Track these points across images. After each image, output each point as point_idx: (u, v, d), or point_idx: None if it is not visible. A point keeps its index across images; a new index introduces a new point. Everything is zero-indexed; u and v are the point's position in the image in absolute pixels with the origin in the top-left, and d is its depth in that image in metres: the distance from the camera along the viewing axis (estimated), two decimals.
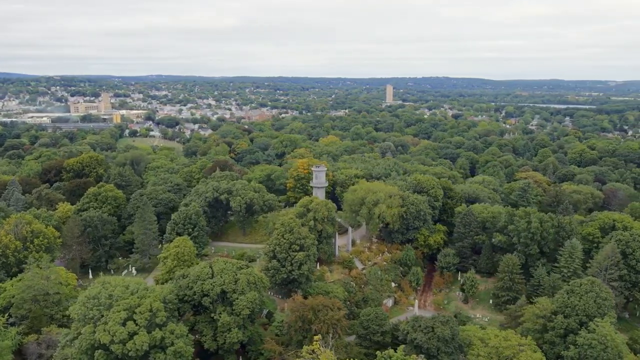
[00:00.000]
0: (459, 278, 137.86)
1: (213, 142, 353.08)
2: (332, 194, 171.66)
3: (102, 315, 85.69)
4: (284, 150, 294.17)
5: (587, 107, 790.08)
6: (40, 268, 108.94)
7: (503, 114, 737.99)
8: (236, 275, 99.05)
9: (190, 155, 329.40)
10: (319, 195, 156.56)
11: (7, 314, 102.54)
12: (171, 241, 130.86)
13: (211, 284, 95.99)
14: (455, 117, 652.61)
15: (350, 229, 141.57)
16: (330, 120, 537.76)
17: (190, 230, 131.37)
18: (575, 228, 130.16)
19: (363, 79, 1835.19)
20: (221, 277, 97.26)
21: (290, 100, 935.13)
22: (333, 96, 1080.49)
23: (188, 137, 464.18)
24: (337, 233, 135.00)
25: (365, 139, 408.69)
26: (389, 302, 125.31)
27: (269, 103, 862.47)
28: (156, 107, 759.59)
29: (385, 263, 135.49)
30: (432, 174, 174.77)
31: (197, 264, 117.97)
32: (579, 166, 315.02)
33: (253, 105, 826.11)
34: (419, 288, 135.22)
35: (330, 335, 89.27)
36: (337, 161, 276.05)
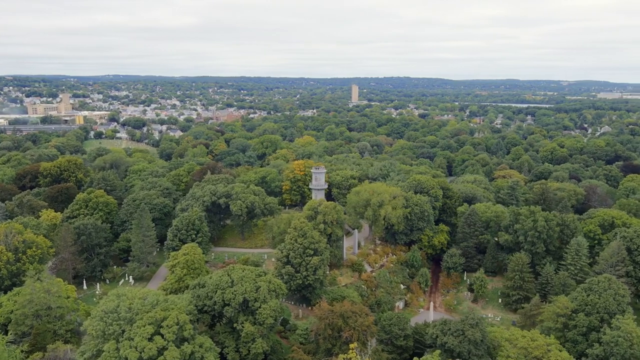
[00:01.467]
0: (465, 278, 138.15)
1: (187, 143, 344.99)
2: (329, 196, 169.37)
3: (124, 331, 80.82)
4: (265, 152, 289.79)
5: (546, 106, 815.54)
6: (41, 280, 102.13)
7: (467, 113, 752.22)
8: (256, 282, 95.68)
9: (166, 157, 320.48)
10: (319, 197, 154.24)
11: (4, 332, 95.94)
12: (174, 248, 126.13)
13: (232, 293, 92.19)
14: (422, 116, 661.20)
15: (356, 231, 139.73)
16: (301, 121, 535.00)
17: (193, 236, 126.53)
18: (578, 226, 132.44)
19: (326, 79, 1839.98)
20: (242, 285, 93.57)
21: (256, 100, 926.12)
22: (298, 96, 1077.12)
23: (157, 138, 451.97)
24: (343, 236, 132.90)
25: (340, 139, 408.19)
26: (400, 305, 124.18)
27: (235, 103, 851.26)
28: (118, 108, 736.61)
29: (392, 265, 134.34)
30: (416, 174, 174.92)
31: (207, 271, 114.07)
32: (550, 164, 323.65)
33: (219, 105, 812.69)
34: (426, 289, 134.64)
35: (364, 342, 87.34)
36: (322, 162, 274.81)
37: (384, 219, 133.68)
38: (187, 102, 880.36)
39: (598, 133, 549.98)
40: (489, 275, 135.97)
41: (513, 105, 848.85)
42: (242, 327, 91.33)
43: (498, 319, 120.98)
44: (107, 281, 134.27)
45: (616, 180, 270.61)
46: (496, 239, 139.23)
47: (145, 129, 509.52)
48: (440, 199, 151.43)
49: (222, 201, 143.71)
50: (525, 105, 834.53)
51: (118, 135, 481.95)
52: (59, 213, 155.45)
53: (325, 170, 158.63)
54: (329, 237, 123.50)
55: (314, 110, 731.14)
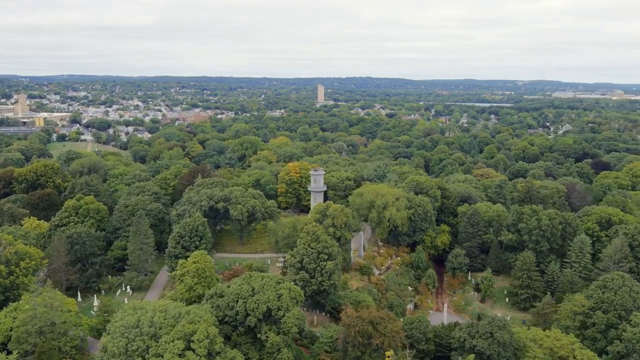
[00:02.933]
0: (470, 278, 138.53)
1: (159, 145, 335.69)
2: (324, 198, 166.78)
3: (148, 347, 76.35)
4: (244, 153, 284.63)
5: (508, 105, 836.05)
6: (43, 294, 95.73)
7: (433, 112, 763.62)
8: (277, 290, 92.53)
9: (139, 160, 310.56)
10: (318, 199, 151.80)
11: (5, 351, 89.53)
12: (176, 256, 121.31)
13: (255, 302, 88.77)
14: (390, 116, 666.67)
15: (362, 233, 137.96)
16: (273, 121, 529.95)
17: (197, 242, 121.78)
18: (579, 224, 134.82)
19: (289, 79, 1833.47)
20: (264, 293, 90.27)
21: (222, 101, 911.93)
22: (263, 96, 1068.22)
23: (125, 140, 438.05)
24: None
25: (315, 139, 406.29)
26: (410, 307, 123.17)
27: (200, 104, 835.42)
28: (79, 109, 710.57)
29: (397, 267, 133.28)
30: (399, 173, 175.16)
31: (217, 280, 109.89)
32: (523, 161, 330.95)
33: (184, 106, 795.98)
34: (433, 291, 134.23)
35: (395, 348, 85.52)
36: (305, 163, 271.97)
37: (388, 220, 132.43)
38: (150, 102, 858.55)
39: (560, 131, 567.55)
40: (493, 274, 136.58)
41: (476, 104, 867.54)
42: (267, 337, 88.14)
43: (508, 319, 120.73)
44: (103, 292, 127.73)
45: (588, 177, 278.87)
46: (499, 239, 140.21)
47: (111, 130, 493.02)
48: (439, 199, 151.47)
49: (220, 205, 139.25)
50: (487, 105, 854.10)
51: (83, 137, 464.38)
52: (42, 221, 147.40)
53: (324, 172, 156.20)
54: (337, 241, 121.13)
55: (282, 111, 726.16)
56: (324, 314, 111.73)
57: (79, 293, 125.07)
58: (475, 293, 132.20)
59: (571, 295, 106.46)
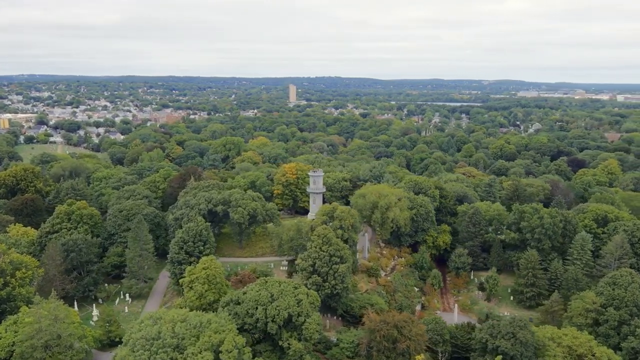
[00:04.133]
0: (472, 277, 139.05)
1: (136, 146, 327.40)
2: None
3: (173, 359, 73.07)
4: (228, 154, 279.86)
5: (477, 104, 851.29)
6: (48, 305, 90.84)
7: (405, 112, 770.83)
8: (296, 295, 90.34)
9: (116, 162, 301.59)
10: (317, 201, 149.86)
11: None
12: (180, 262, 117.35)
13: (275, 308, 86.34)
14: (364, 115, 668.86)
15: (366, 235, 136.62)
16: (248, 121, 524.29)
17: (201, 247, 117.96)
18: (578, 221, 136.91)
19: (258, 79, 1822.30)
20: (284, 299, 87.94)
21: (192, 101, 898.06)
22: (233, 96, 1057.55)
23: (98, 142, 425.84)
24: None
25: (294, 139, 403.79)
26: (418, 308, 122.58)
27: (170, 104, 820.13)
28: (44, 110, 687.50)
29: (402, 268, 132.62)
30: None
31: (228, 286, 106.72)
32: (501, 160, 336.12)
33: (154, 106, 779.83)
34: (438, 291, 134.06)
35: (419, 351, 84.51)
36: (286, 162, 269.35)
37: (391, 221, 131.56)
38: (118, 103, 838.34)
39: (530, 130, 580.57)
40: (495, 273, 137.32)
41: (447, 104, 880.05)
42: (289, 344, 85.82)
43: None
44: (100, 301, 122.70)
45: (566, 174, 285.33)
46: (500, 237, 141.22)
47: (82, 132, 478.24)
48: (438, 199, 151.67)
49: (219, 209, 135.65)
50: (458, 104, 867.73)
51: (52, 139, 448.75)
52: (29, 228, 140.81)
53: (323, 173, 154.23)
54: (345, 243, 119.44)
55: (255, 111, 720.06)
56: (335, 317, 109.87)
57: (75, 303, 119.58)
58: (480, 292, 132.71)
59: (581, 293, 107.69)
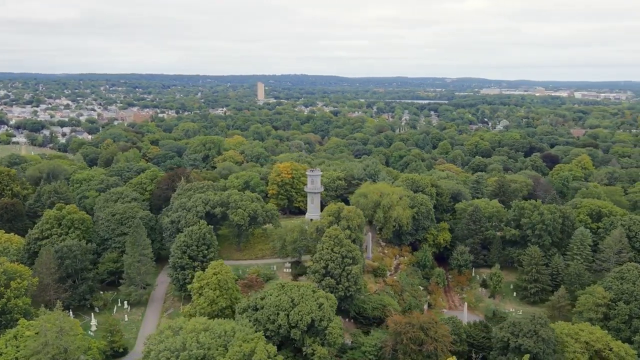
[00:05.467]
0: (473, 274, 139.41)
1: (107, 146, 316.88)
2: None
3: None
4: (208, 153, 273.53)
5: (446, 102, 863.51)
6: (53, 317, 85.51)
7: (375, 109, 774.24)
8: (317, 299, 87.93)
9: (89, 163, 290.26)
10: (315, 201, 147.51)
11: None
12: (183, 267, 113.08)
13: (298, 314, 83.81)
14: (335, 113, 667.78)
15: (369, 234, 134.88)
16: (220, 120, 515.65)
17: (205, 251, 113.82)
18: (575, 217, 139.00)
19: (223, 77, 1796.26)
20: (305, 304, 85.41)
21: (158, 99, 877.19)
22: (199, 94, 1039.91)
23: (65, 142, 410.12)
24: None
25: (270, 138, 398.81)
26: (425, 307, 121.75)
27: (136, 102, 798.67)
28: (2, 109, 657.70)
29: (405, 267, 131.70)
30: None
31: (238, 291, 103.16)
32: (477, 156, 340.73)
33: (120, 104, 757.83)
34: (442, 289, 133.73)
35: (438, 352, 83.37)
36: (268, 162, 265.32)
37: (394, 220, 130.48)
38: (81, 101, 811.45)
39: (498, 126, 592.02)
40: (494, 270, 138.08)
41: (415, 101, 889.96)
42: (313, 350, 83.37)
43: (520, 313, 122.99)
44: (97, 309, 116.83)
45: (541, 170, 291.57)
46: (500, 234, 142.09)
47: (47, 132, 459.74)
48: (434, 196, 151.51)
49: (217, 210, 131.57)
50: (426, 102, 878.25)
51: (14, 139, 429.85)
52: (12, 234, 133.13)
53: (322, 173, 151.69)
54: (353, 243, 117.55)
55: (224, 109, 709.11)
56: (347, 320, 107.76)
57: (71, 312, 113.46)
58: (483, 289, 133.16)
59: (589, 288, 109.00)
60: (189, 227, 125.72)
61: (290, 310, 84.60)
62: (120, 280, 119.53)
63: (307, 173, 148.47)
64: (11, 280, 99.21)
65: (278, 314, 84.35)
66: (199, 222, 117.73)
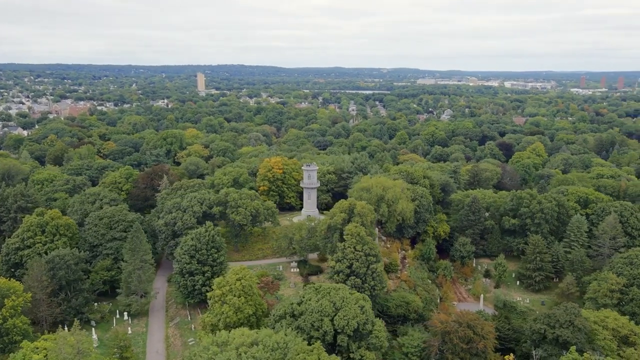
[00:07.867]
0: (475, 265, 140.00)
1: (52, 142, 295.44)
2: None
3: None
4: (170, 148, 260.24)
5: (386, 92, 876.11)
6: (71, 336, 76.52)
7: (321, 100, 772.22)
8: (357, 302, 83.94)
9: (41, 161, 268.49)
10: (312, 197, 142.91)
11: None
12: (192, 273, 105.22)
13: (343, 319, 79.46)
14: (282, 104, 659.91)
15: (376, 229, 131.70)
16: (168, 112, 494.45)
17: (215, 255, 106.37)
18: (569, 205, 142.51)
19: (157, 67, 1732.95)
20: (348, 308, 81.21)
21: (91, 91, 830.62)
22: (134, 85, 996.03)
23: None
24: None
25: (223, 130, 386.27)
26: (437, 301, 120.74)
27: (68, 94, 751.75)
28: None
29: (410, 261, 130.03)
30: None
31: (260, 296, 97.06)
32: (433, 146, 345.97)
33: (51, 97, 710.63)
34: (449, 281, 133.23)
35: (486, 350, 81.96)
36: (235, 155, 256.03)
37: (399, 214, 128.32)
38: (5, 94, 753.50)
39: (443, 116, 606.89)
40: (493, 259, 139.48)
41: (359, 92, 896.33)
42: (361, 356, 79.41)
43: (527, 302, 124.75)
44: (94, 323, 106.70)
45: (499, 158, 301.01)
46: (498, 224, 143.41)
47: None
48: (429, 188, 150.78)
49: (215, 210, 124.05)
50: (369, 92, 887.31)
51: None
52: None
53: (317, 167, 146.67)
54: None
55: (166, 100, 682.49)
56: None
57: (65, 327, 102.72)
58: (487, 279, 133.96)
59: (601, 274, 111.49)
60: (187, 229, 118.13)
61: (334, 315, 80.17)
62: (117, 290, 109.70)
63: (303, 168, 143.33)
64: (5, 299, 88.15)
65: (322, 319, 79.60)
66: (205, 223, 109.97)
